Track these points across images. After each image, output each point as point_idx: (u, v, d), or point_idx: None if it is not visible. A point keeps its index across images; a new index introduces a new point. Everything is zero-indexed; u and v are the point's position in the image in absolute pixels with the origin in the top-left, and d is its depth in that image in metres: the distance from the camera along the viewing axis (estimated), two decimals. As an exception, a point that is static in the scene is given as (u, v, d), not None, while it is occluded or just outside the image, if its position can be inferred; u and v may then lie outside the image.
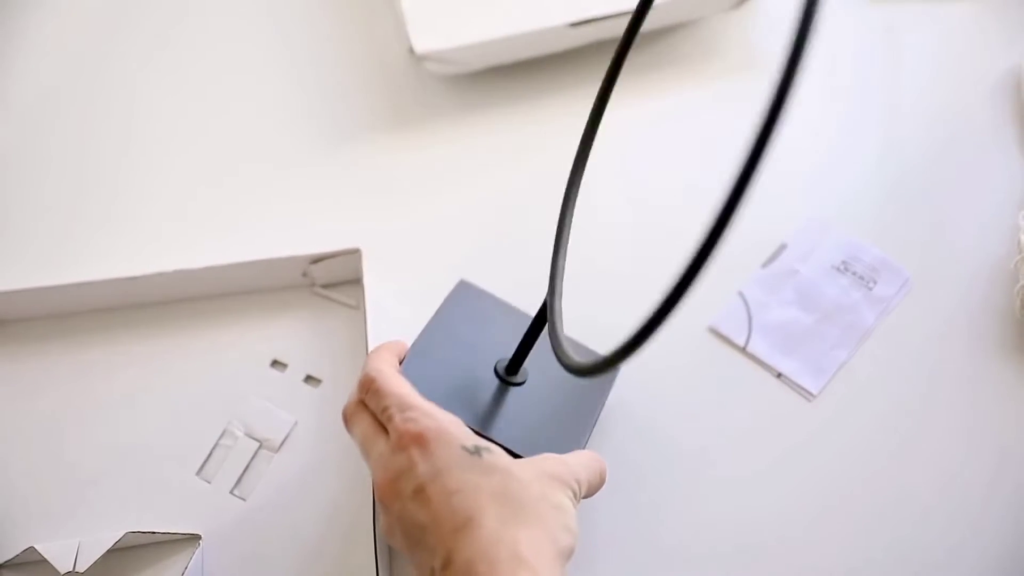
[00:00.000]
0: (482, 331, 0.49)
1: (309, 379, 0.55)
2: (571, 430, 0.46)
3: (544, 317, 0.45)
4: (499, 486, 0.37)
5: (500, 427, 0.44)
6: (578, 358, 0.37)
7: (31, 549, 0.46)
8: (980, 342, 0.56)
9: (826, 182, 0.63)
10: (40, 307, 0.56)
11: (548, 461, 0.40)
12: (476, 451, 0.38)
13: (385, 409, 0.40)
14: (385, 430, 0.40)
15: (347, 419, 0.43)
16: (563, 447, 0.43)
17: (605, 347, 0.52)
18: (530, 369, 0.48)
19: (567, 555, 0.37)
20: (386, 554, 0.48)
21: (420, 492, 0.37)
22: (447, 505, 0.36)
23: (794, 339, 0.56)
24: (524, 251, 0.60)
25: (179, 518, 0.50)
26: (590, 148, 0.44)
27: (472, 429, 0.42)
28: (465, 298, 0.50)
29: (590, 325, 0.54)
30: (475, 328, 0.49)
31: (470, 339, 0.48)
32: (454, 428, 0.39)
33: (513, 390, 0.47)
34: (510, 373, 0.47)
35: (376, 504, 0.40)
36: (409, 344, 0.46)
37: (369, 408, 0.42)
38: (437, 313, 0.48)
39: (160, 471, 0.52)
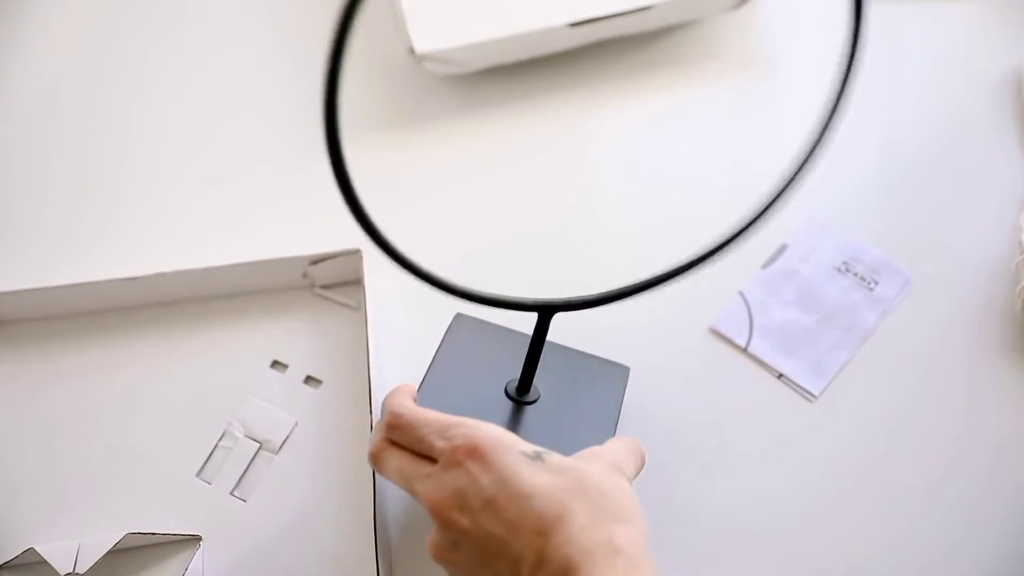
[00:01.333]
0: (486, 359, 0.49)
1: (309, 380, 0.55)
2: (594, 437, 0.46)
3: (543, 330, 0.45)
4: (575, 484, 0.36)
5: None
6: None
7: (31, 550, 0.46)
8: (981, 343, 0.56)
9: (826, 182, 0.63)
10: (40, 307, 0.56)
11: (604, 453, 0.40)
12: (537, 456, 0.37)
13: (422, 439, 0.39)
14: (424, 457, 0.39)
15: (376, 458, 0.41)
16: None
17: (601, 349, 0.52)
18: (540, 386, 0.48)
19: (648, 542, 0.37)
20: (386, 555, 0.48)
21: (490, 503, 0.36)
22: (527, 510, 0.35)
23: (795, 340, 0.56)
24: (524, 250, 0.60)
25: (179, 519, 0.50)
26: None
27: None
28: (464, 330, 0.50)
29: (590, 325, 0.54)
30: (479, 357, 0.49)
31: (476, 368, 0.48)
32: (506, 436, 0.38)
33: (528, 409, 0.47)
34: (521, 393, 0.47)
35: (432, 524, 0.39)
36: (416, 386, 0.46)
37: (400, 444, 0.40)
38: (439, 350, 0.49)
39: (160, 472, 0.52)
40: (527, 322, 0.46)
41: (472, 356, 0.49)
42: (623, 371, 0.51)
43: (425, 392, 0.46)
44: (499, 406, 0.47)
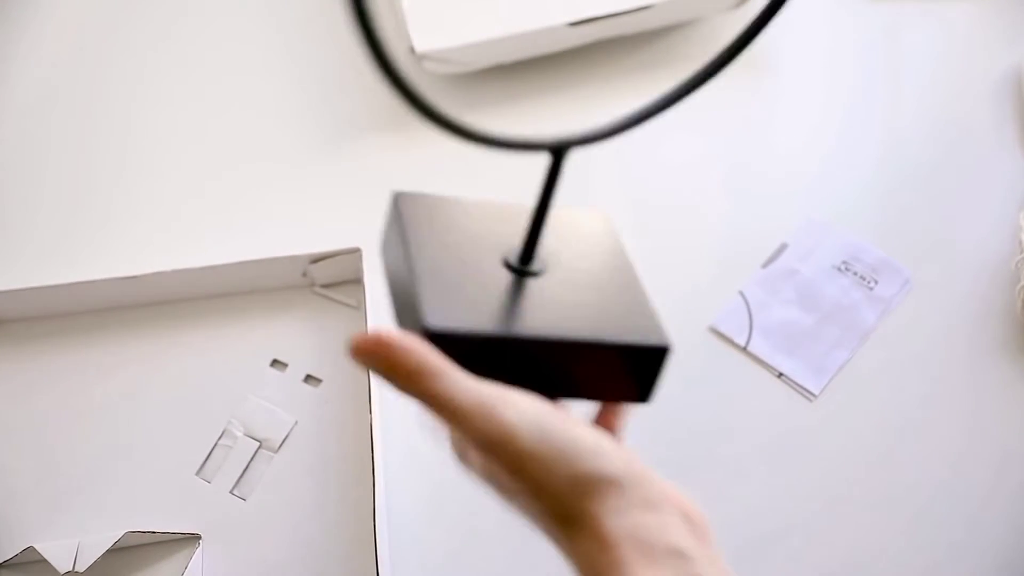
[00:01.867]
0: (465, 240, 0.39)
1: (309, 379, 0.55)
2: (625, 299, 0.38)
3: (555, 175, 0.37)
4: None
5: (553, 320, 0.36)
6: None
7: (31, 549, 0.46)
8: (981, 341, 0.56)
9: (827, 182, 0.63)
10: (40, 307, 0.56)
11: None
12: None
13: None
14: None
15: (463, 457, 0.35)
16: (629, 317, 0.36)
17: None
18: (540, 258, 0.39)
19: None
20: (386, 553, 0.48)
21: None
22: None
23: (795, 339, 0.56)
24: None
25: (179, 518, 0.50)
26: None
27: (538, 339, 0.34)
28: (420, 215, 0.40)
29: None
30: (455, 241, 0.39)
31: (461, 254, 0.38)
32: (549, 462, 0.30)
33: (536, 282, 0.37)
34: (525, 262, 0.38)
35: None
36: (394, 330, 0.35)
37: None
38: (410, 245, 0.38)
39: (160, 471, 0.51)
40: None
41: (447, 242, 0.38)
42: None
43: (433, 314, 0.34)
44: (500, 286, 0.37)
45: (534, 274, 0.38)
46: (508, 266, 0.38)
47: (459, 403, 0.30)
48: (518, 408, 0.30)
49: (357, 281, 0.57)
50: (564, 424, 0.30)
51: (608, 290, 0.38)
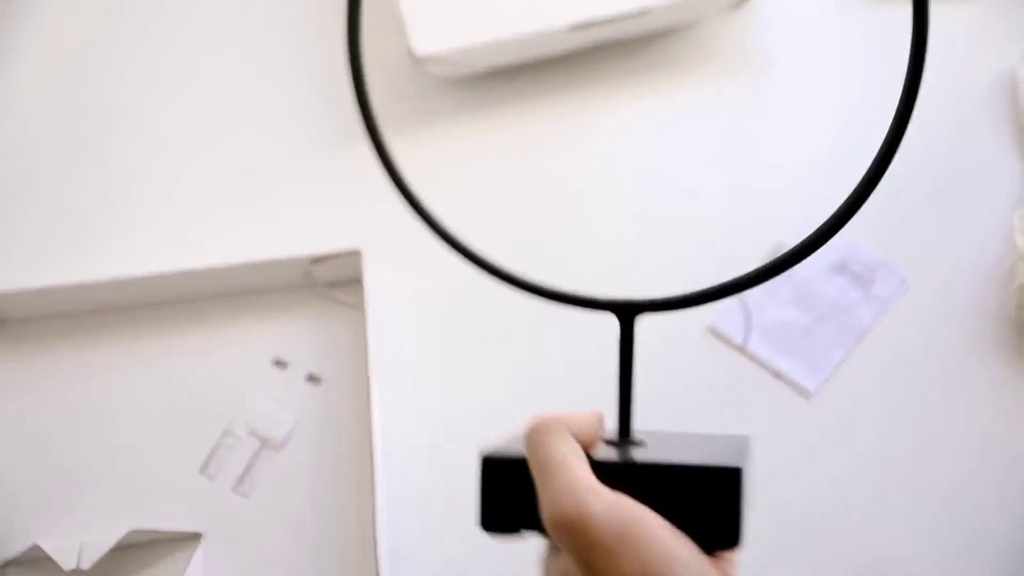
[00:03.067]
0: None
1: (311, 378, 0.55)
2: (721, 444, 0.36)
3: (629, 339, 0.36)
4: None
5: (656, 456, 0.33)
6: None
7: (35, 547, 0.47)
8: (976, 341, 0.56)
9: (824, 182, 0.64)
10: (41, 307, 0.56)
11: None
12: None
13: None
14: None
15: None
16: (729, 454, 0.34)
17: (598, 347, 0.52)
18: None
19: None
20: (387, 553, 0.48)
21: None
22: None
23: (792, 338, 0.56)
24: (525, 251, 0.60)
25: (181, 516, 0.50)
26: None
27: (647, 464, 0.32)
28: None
29: (587, 322, 0.54)
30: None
31: None
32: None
33: (640, 451, 0.35)
34: (624, 435, 0.36)
35: None
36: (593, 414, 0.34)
37: None
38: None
39: (162, 470, 0.52)
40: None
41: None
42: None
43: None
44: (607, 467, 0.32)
45: (636, 444, 0.36)
46: (609, 442, 0.35)
47: (556, 465, 0.30)
48: (601, 495, 0.30)
49: (358, 281, 0.57)
50: (643, 519, 0.30)
51: (702, 442, 0.37)
